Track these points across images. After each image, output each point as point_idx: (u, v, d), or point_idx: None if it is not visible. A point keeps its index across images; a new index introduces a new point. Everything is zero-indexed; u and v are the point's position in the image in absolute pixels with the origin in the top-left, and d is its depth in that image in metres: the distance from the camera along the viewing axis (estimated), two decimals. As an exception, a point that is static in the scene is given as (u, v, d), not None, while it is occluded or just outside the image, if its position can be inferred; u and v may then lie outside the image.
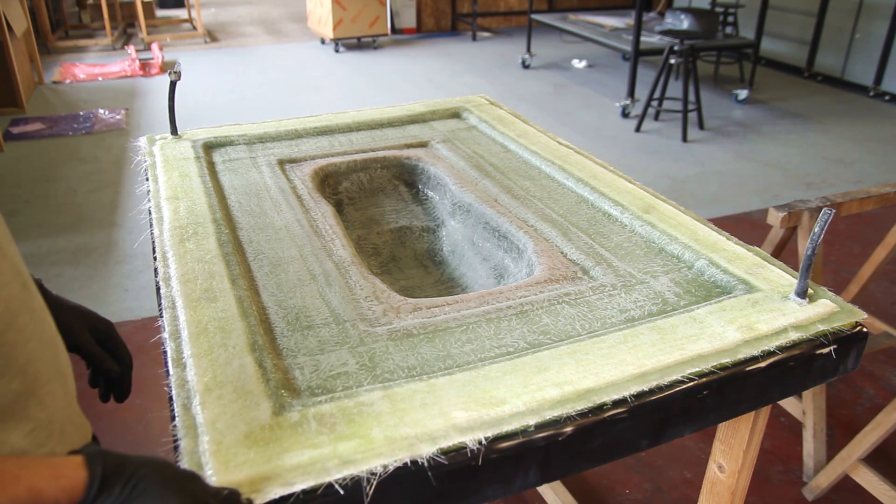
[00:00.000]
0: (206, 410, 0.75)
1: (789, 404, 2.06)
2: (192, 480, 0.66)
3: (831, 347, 0.91)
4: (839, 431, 2.13)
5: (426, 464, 0.69)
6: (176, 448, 0.71)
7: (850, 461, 1.78)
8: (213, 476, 0.67)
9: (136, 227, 3.33)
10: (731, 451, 1.07)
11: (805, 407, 1.94)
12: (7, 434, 0.67)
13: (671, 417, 0.84)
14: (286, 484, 0.66)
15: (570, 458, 0.79)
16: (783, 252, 1.82)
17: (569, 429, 0.76)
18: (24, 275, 0.72)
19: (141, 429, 2.09)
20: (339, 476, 0.67)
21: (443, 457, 0.70)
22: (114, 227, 3.37)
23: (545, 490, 1.81)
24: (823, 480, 1.86)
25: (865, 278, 2.10)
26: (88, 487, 0.62)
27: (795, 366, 0.90)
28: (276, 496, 0.65)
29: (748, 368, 0.87)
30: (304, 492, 0.66)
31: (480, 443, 0.72)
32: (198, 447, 0.70)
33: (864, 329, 0.95)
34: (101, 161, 4.14)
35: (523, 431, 0.74)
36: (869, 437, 1.73)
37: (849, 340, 0.93)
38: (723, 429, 1.08)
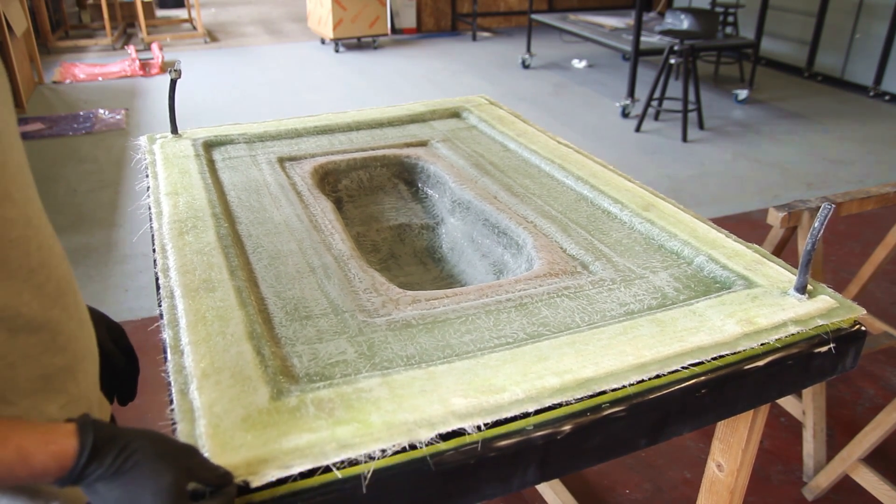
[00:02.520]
0: (204, 395, 0.75)
1: (789, 404, 2.06)
2: (188, 454, 0.65)
3: (830, 345, 0.91)
4: (839, 431, 2.12)
5: (427, 457, 0.69)
6: (173, 432, 0.71)
7: (850, 461, 1.78)
8: (210, 459, 0.66)
9: (137, 228, 3.33)
10: (730, 450, 1.07)
11: (805, 407, 1.94)
12: (45, 405, 0.70)
13: (669, 416, 0.84)
14: (283, 467, 0.66)
15: (569, 456, 0.79)
16: (783, 252, 1.82)
17: (567, 427, 0.76)
18: (66, 259, 0.78)
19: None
20: (336, 459, 0.67)
21: (442, 447, 0.70)
22: (114, 227, 3.37)
23: (545, 490, 1.81)
24: (823, 480, 1.86)
25: (865, 278, 2.10)
26: (78, 455, 0.61)
27: (794, 364, 0.90)
28: (273, 478, 0.65)
29: (747, 366, 0.86)
30: (301, 474, 0.66)
31: (479, 429, 0.72)
32: (195, 430, 0.70)
33: (863, 327, 0.94)
34: (101, 161, 4.14)
35: (522, 430, 0.74)
36: (869, 437, 1.73)
37: (847, 338, 0.93)
38: (721, 427, 1.08)
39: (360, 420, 0.72)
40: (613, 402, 0.79)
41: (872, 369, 2.41)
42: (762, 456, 2.03)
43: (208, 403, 0.73)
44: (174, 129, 1.55)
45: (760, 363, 0.87)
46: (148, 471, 0.62)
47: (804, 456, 1.96)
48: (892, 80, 5.44)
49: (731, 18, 5.90)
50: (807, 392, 1.92)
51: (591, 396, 0.79)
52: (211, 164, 1.45)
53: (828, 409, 2.03)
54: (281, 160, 1.49)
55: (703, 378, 0.84)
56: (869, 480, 1.78)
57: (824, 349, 0.91)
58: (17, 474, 0.60)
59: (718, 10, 5.76)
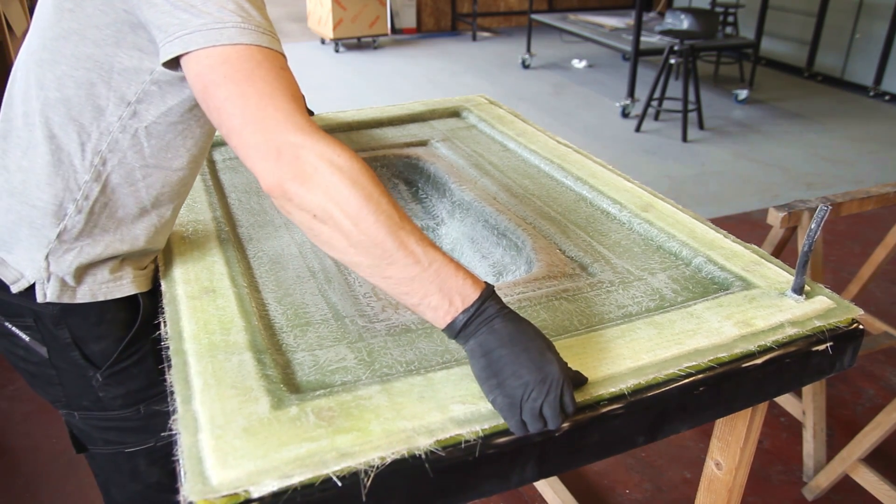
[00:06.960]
0: (205, 406, 0.75)
1: (789, 404, 2.06)
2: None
3: (827, 344, 0.91)
4: (839, 431, 2.13)
5: (424, 457, 0.70)
6: (175, 442, 0.71)
7: (850, 461, 1.78)
8: (211, 470, 0.67)
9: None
10: (729, 449, 1.07)
11: (805, 407, 1.94)
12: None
13: (667, 413, 0.85)
14: (284, 476, 0.66)
15: (567, 453, 0.80)
16: (783, 252, 1.82)
17: (565, 424, 0.76)
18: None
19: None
20: (336, 468, 0.67)
21: (440, 450, 0.70)
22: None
23: (544, 489, 1.81)
24: (823, 480, 1.86)
25: (865, 278, 2.10)
26: (484, 289, 0.75)
27: (792, 362, 0.90)
28: (275, 489, 0.65)
29: (745, 364, 0.87)
30: (302, 485, 0.66)
31: (478, 435, 0.72)
32: (197, 441, 0.70)
33: (861, 326, 0.95)
34: (101, 161, 4.14)
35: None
36: (869, 437, 1.73)
37: (845, 337, 0.93)
38: (720, 426, 1.08)
39: (359, 428, 0.72)
40: (611, 400, 0.79)
41: (872, 369, 2.42)
42: (762, 456, 2.03)
43: (210, 414, 0.74)
44: (174, 131, 1.55)
45: (758, 361, 0.87)
46: (539, 341, 0.76)
47: (804, 456, 1.96)
48: (892, 80, 5.44)
49: (731, 18, 5.90)
50: (806, 392, 1.93)
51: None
52: (211, 164, 1.46)
53: (828, 409, 2.03)
54: (281, 162, 1.50)
55: (701, 376, 0.84)
56: (869, 480, 1.79)
57: (822, 347, 0.91)
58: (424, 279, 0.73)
59: (718, 10, 5.76)
